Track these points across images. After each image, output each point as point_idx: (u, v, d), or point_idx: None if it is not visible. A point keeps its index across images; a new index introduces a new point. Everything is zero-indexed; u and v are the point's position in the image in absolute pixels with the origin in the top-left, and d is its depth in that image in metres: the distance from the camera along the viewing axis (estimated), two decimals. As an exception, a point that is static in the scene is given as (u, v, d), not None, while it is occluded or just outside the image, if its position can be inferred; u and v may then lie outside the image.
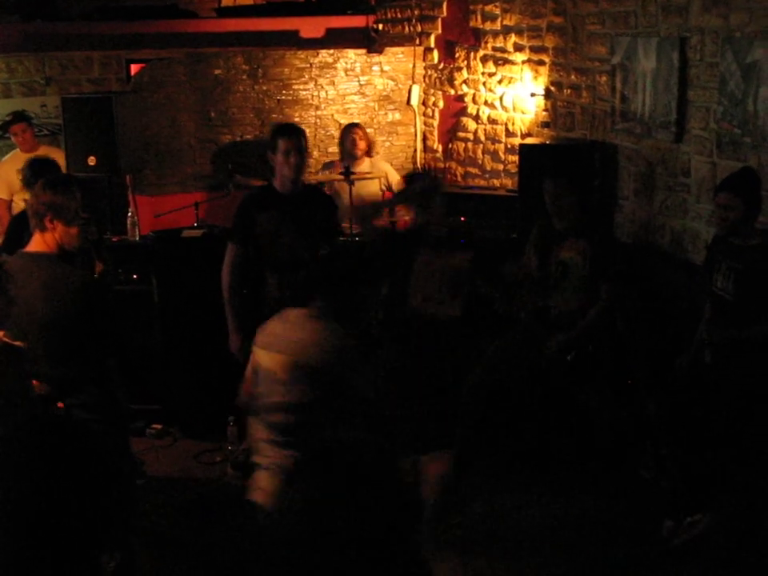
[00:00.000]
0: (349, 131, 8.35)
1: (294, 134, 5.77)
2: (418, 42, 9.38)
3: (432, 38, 9.23)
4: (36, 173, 6.11)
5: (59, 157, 7.24)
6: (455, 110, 9.00)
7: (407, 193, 5.99)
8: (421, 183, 5.88)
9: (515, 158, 7.59)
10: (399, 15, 9.69)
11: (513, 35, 7.95)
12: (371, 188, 8.31)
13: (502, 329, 6.21)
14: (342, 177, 7.55)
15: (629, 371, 5.85)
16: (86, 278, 4.68)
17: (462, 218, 7.43)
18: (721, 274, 5.09)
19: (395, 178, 8.49)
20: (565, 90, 7.33)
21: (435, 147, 9.36)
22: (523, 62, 7.82)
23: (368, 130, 8.61)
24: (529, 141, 7.59)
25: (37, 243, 4.49)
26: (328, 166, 8.41)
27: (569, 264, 5.94)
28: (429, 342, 5.32)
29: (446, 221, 6.44)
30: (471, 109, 8.74)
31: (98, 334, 4.53)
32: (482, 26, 8.43)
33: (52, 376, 4.37)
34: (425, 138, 9.52)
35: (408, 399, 5.20)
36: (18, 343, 4.10)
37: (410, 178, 6.27)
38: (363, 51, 9.31)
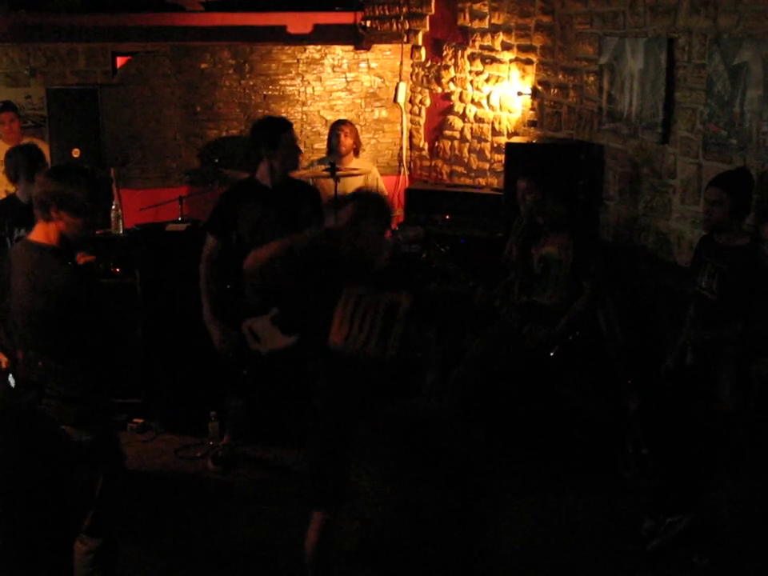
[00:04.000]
0: (335, 128, 8.33)
1: (291, 127, 5.94)
2: (405, 39, 9.36)
3: (420, 35, 9.21)
4: (21, 164, 6.07)
5: (44, 149, 7.20)
6: (442, 108, 8.98)
7: None
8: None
9: (501, 157, 7.58)
10: (387, 12, 9.66)
11: (501, 34, 7.94)
12: (356, 186, 8.27)
13: (482, 325, 6.21)
14: (327, 173, 7.53)
15: (610, 370, 5.85)
16: (72, 275, 4.53)
17: (447, 216, 7.43)
18: (706, 273, 5.09)
19: (379, 182, 8.46)
20: (552, 90, 7.32)
21: (421, 145, 9.34)
22: (511, 61, 7.81)
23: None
24: (515, 140, 7.58)
25: (38, 233, 4.34)
26: (317, 163, 8.39)
27: (551, 259, 5.95)
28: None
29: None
30: (458, 107, 8.73)
31: (85, 329, 4.44)
32: (469, 25, 8.42)
33: (38, 365, 4.32)
34: (411, 136, 9.50)
35: None
36: None
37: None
38: (350, 48, 9.29)
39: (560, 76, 7.20)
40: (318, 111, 9.22)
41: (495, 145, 8.17)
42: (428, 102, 9.18)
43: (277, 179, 5.84)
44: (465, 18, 8.50)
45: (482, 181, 8.36)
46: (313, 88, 9.19)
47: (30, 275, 4.29)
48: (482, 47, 8.25)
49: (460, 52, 8.60)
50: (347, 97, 9.30)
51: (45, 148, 7.26)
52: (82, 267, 4.61)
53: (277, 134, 5.78)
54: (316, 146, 9.10)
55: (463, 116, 8.65)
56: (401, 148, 9.52)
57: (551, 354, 5.83)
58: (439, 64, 8.94)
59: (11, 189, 6.57)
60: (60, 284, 4.28)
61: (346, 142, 8.23)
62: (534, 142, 7.35)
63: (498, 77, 8.02)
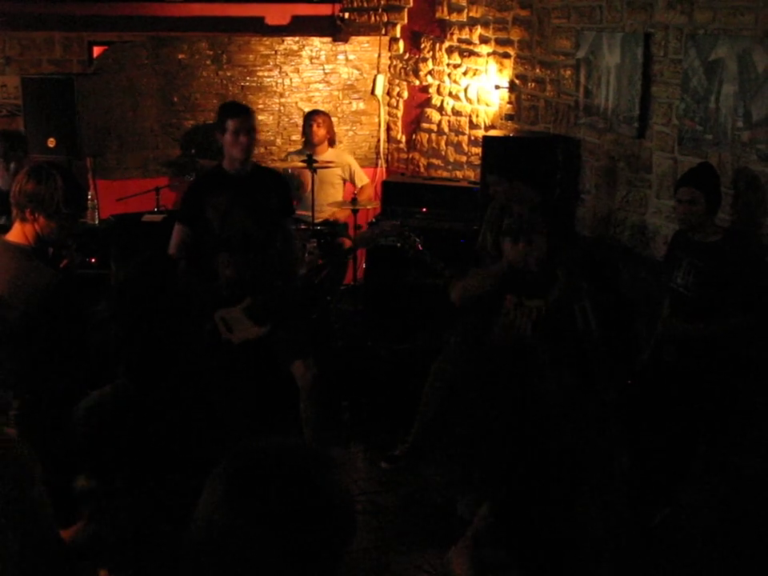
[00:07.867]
0: (308, 118, 8.35)
1: (243, 113, 5.67)
2: (383, 31, 9.36)
3: (398, 27, 9.21)
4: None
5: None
6: (419, 101, 8.99)
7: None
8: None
9: (478, 150, 7.60)
10: (365, 4, 9.66)
11: (479, 27, 7.95)
12: (333, 178, 8.29)
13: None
14: (304, 164, 7.53)
15: (587, 362, 5.87)
16: (56, 277, 4.44)
17: (424, 209, 7.43)
18: (681, 270, 5.11)
19: (357, 171, 8.48)
20: (529, 84, 7.33)
21: (399, 138, 9.34)
22: (488, 55, 7.82)
23: (332, 119, 8.60)
24: (492, 133, 7.59)
25: (17, 233, 4.27)
26: (293, 154, 8.40)
27: None
28: None
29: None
30: (435, 100, 8.73)
31: (61, 333, 4.37)
32: (447, 17, 8.42)
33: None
34: (389, 129, 9.50)
35: None
36: None
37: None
38: (329, 39, 9.28)
39: (537, 70, 7.21)
40: (296, 103, 9.21)
41: (472, 138, 8.18)
42: (405, 94, 9.18)
43: (238, 165, 5.66)
44: (443, 11, 8.50)
45: (459, 174, 8.37)
46: (290, 79, 9.18)
47: (9, 278, 4.23)
48: (459, 40, 8.25)
49: (438, 45, 8.60)
50: (325, 88, 9.29)
51: None
52: (62, 270, 4.56)
53: (223, 119, 5.60)
54: (293, 137, 9.09)
55: (441, 109, 8.66)
56: (378, 140, 9.53)
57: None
58: (417, 56, 8.94)
59: None
60: (41, 285, 4.23)
61: (319, 132, 8.25)
62: (510, 135, 7.36)
63: (476, 70, 8.03)
